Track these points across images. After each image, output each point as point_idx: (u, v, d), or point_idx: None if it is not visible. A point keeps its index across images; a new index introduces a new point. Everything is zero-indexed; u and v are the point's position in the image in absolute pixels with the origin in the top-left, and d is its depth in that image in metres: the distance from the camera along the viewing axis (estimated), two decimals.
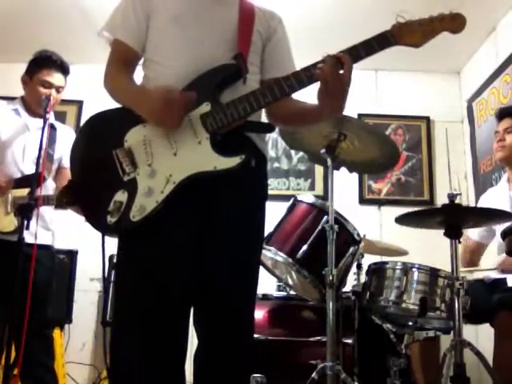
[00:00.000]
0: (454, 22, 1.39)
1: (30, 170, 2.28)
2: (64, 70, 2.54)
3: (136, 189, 1.45)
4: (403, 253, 2.92)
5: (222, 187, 1.45)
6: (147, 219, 1.42)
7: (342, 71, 1.38)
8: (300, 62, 1.64)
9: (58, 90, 2.51)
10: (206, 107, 1.46)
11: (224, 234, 1.48)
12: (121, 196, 1.45)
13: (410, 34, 1.39)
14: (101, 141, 1.54)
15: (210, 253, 1.47)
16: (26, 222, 1.99)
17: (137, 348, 1.41)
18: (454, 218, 2.15)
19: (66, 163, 2.51)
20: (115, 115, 1.57)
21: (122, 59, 1.61)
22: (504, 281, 2.45)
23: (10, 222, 2.25)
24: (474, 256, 2.81)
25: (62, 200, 1.97)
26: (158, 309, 1.41)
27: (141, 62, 1.66)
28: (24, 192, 2.17)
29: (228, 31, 1.57)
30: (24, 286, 1.90)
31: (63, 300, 3.29)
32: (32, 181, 2.06)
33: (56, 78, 2.50)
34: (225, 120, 1.44)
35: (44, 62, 2.51)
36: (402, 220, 2.24)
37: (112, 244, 1.57)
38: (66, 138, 2.56)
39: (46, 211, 2.43)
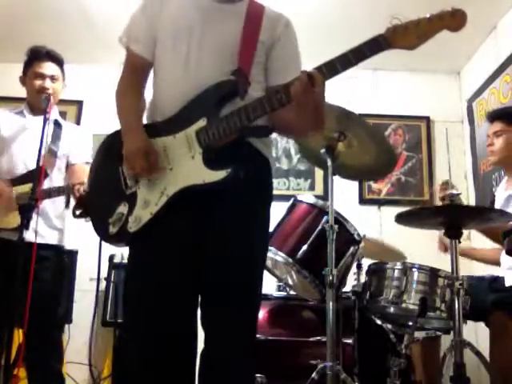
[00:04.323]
0: (453, 19, 1.30)
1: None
2: (54, 58, 2.54)
3: (135, 202, 1.55)
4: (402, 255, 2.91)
5: (219, 194, 1.47)
6: (143, 229, 1.51)
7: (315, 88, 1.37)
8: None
9: (53, 79, 2.51)
10: (202, 122, 1.50)
11: (222, 238, 1.49)
12: (123, 208, 1.56)
13: (404, 36, 1.32)
14: (112, 156, 1.63)
15: (208, 258, 1.49)
16: (26, 222, 1.99)
17: (143, 352, 1.46)
18: (454, 218, 2.15)
19: (74, 160, 2.55)
20: None
21: (134, 70, 1.67)
22: (502, 280, 2.45)
23: (14, 219, 2.26)
24: None
25: (75, 213, 2.18)
26: (161, 311, 1.46)
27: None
28: (28, 188, 2.18)
29: (229, 46, 1.56)
30: (26, 286, 1.91)
31: (64, 300, 3.29)
32: (33, 177, 2.08)
33: (46, 67, 2.51)
34: (216, 135, 1.47)
35: (33, 56, 2.54)
36: (402, 218, 2.23)
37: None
38: (73, 135, 2.59)
39: (52, 210, 2.44)
